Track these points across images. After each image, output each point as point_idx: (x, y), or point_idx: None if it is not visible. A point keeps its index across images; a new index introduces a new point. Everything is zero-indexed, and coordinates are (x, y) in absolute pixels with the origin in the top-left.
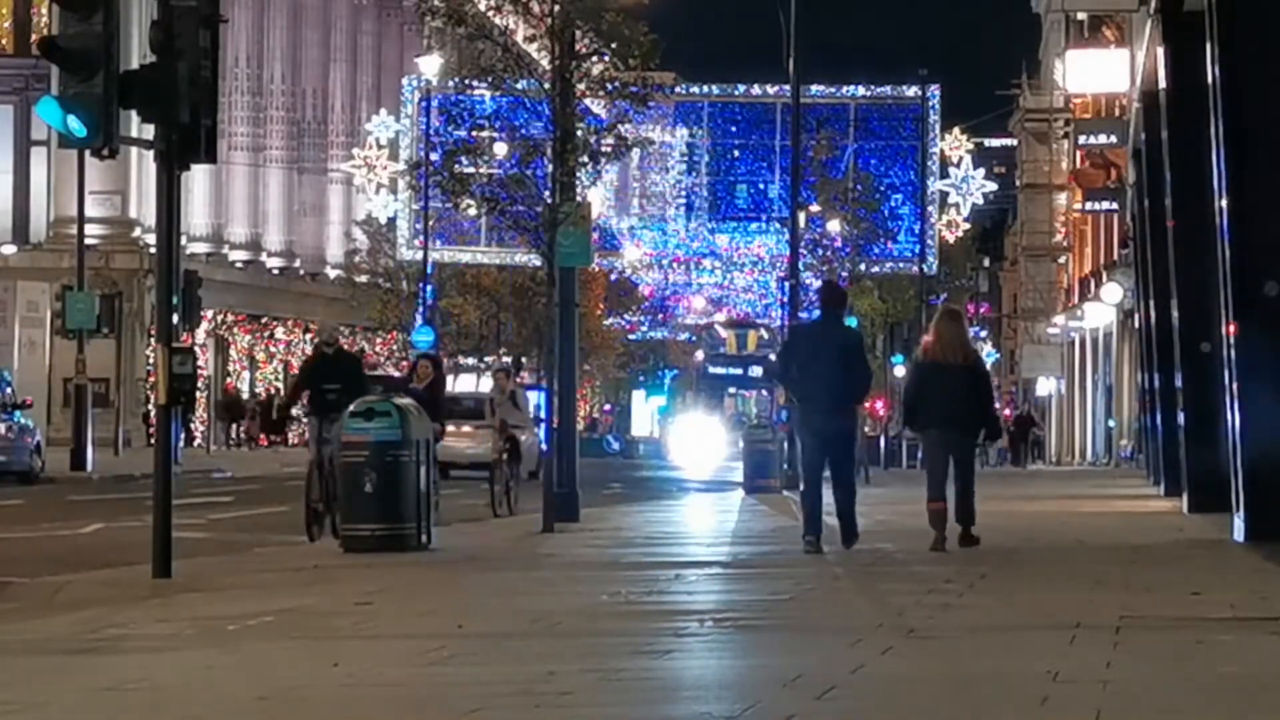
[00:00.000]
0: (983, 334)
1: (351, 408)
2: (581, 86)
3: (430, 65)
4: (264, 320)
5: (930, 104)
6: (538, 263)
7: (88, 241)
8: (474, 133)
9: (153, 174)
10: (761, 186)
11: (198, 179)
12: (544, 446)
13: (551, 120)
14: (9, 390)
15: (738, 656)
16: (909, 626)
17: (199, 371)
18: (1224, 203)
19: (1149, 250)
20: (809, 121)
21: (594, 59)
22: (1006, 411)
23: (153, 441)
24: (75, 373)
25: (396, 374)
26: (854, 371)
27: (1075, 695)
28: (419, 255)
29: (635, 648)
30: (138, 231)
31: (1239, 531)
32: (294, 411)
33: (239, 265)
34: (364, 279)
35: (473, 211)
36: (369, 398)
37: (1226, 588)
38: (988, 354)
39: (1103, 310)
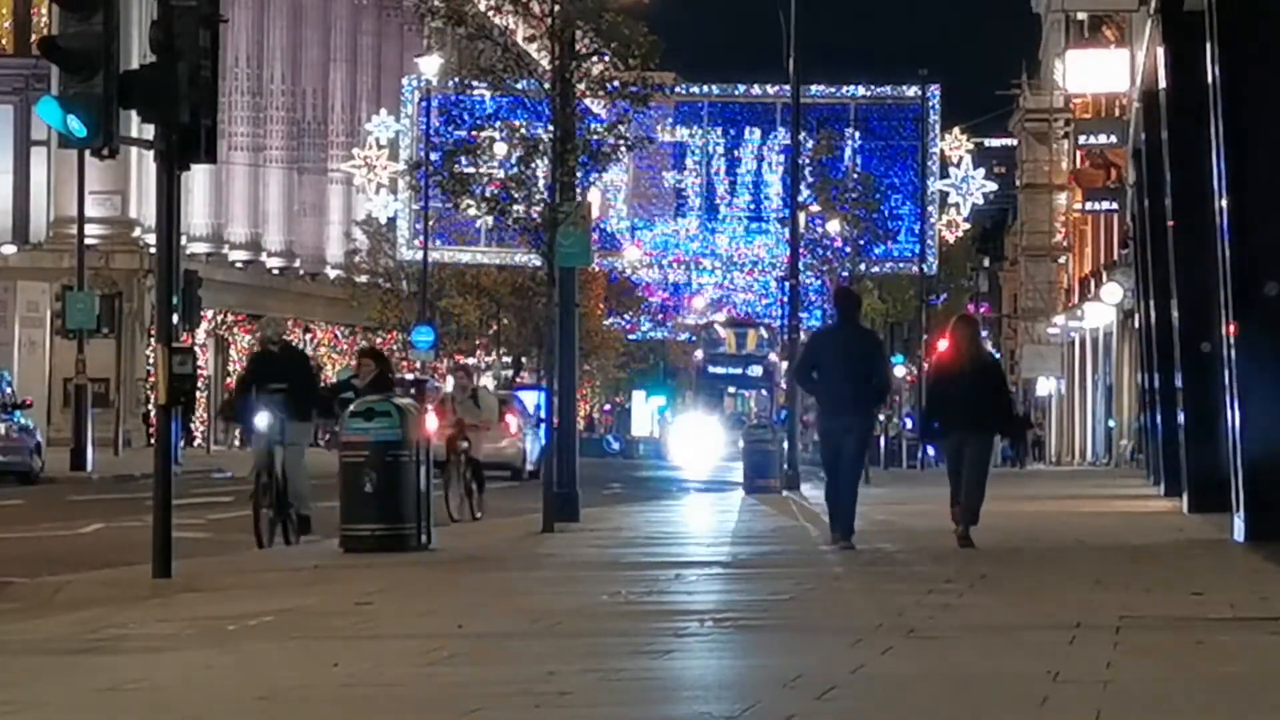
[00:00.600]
0: (983, 334)
1: (352, 408)
2: (581, 86)
3: (430, 65)
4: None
5: (930, 104)
6: (538, 263)
7: (88, 241)
8: (474, 133)
9: (153, 174)
10: (761, 186)
11: (198, 179)
12: (534, 446)
13: (551, 120)
14: (9, 390)
15: (738, 656)
16: (909, 626)
17: (199, 371)
18: (1224, 203)
19: (1149, 250)
20: (809, 121)
21: (594, 59)
22: None
23: (153, 441)
24: (75, 373)
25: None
26: (872, 375)
27: (1075, 695)
28: (419, 255)
29: (635, 648)
30: (138, 231)
31: (1239, 531)
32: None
33: (239, 265)
34: (364, 279)
35: (473, 211)
36: (371, 398)
37: (1226, 588)
38: None
39: (1103, 310)
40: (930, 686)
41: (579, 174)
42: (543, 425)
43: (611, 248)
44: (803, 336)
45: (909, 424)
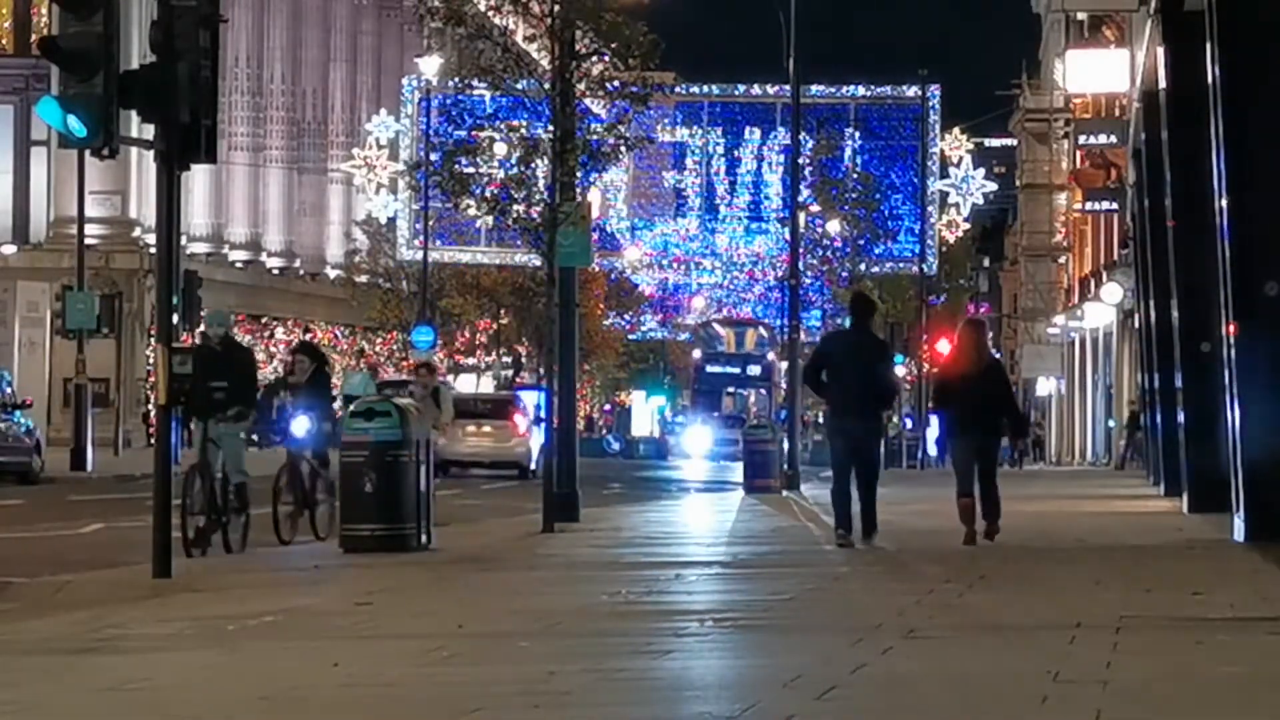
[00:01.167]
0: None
1: (352, 408)
2: (581, 86)
3: (430, 65)
4: (264, 320)
5: (930, 104)
6: (538, 263)
7: (88, 241)
8: (474, 133)
9: (153, 174)
10: (761, 186)
11: (198, 179)
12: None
13: (551, 120)
14: (9, 390)
15: (738, 656)
16: (909, 626)
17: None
18: (1224, 203)
19: (1149, 250)
20: (809, 121)
21: (594, 59)
22: None
23: (153, 441)
24: (75, 373)
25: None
26: (881, 379)
27: (1075, 695)
28: (419, 255)
29: (635, 648)
30: (138, 231)
31: (1239, 531)
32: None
33: (239, 265)
34: (364, 279)
35: (473, 211)
36: (371, 398)
37: (1226, 588)
38: None
39: (1103, 310)
40: (930, 686)
41: (579, 174)
42: (542, 425)
43: (611, 248)
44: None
45: (908, 424)
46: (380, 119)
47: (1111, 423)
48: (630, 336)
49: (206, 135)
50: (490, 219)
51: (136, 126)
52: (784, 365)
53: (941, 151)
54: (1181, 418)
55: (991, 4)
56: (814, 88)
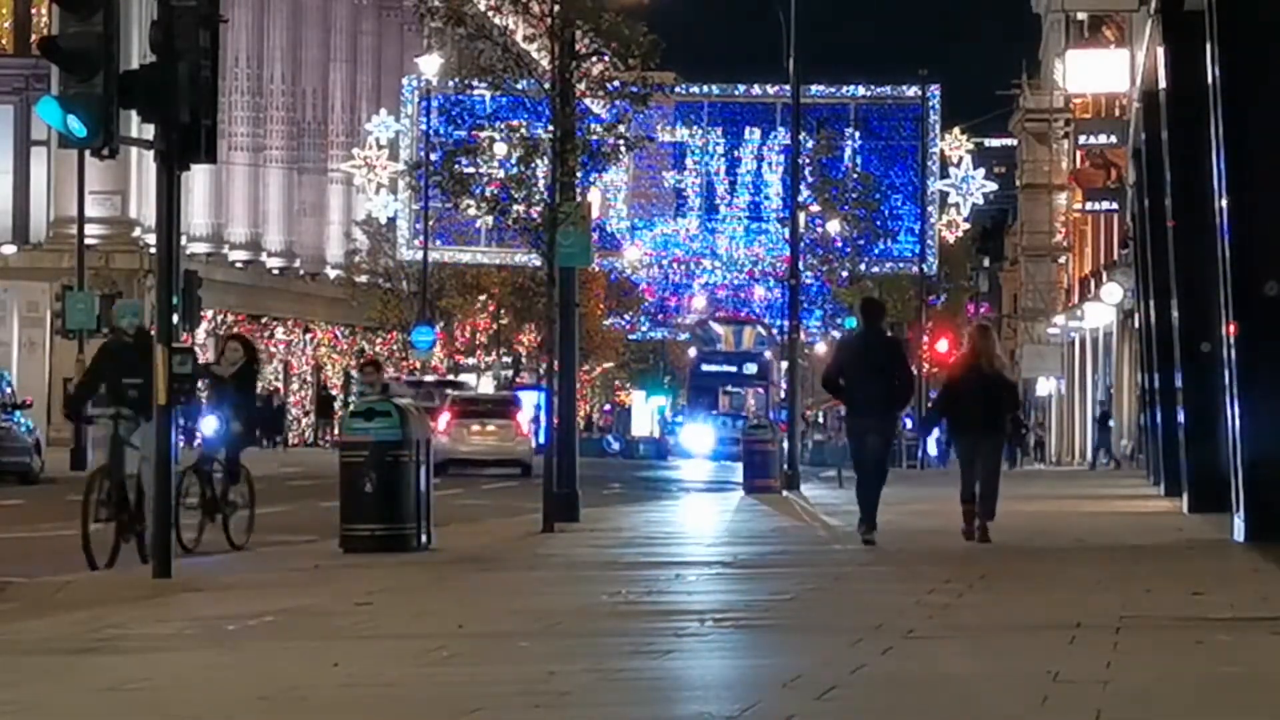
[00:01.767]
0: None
1: (352, 408)
2: (581, 86)
3: (430, 65)
4: (264, 320)
5: (930, 104)
6: (538, 263)
7: (88, 241)
8: (474, 133)
9: (153, 174)
10: (761, 186)
11: (198, 179)
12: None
13: (551, 120)
14: (9, 390)
15: (738, 656)
16: (909, 626)
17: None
18: (1224, 203)
19: (1149, 250)
20: (809, 121)
21: (594, 59)
22: None
23: None
24: (75, 373)
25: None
26: (896, 380)
27: (1075, 695)
28: (419, 255)
29: (635, 648)
30: (138, 231)
31: (1239, 531)
32: (91, 410)
33: (239, 265)
34: (364, 279)
35: (473, 211)
36: (371, 398)
37: (1226, 588)
38: None
39: (1103, 310)
40: (930, 686)
41: (579, 174)
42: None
43: (611, 248)
44: (803, 336)
45: (909, 424)
46: (380, 119)
47: (1112, 423)
48: (630, 336)
49: (206, 135)
50: (490, 219)
51: (136, 126)
52: (784, 365)
53: (941, 151)
54: (1181, 418)
55: (991, 4)
56: (814, 88)
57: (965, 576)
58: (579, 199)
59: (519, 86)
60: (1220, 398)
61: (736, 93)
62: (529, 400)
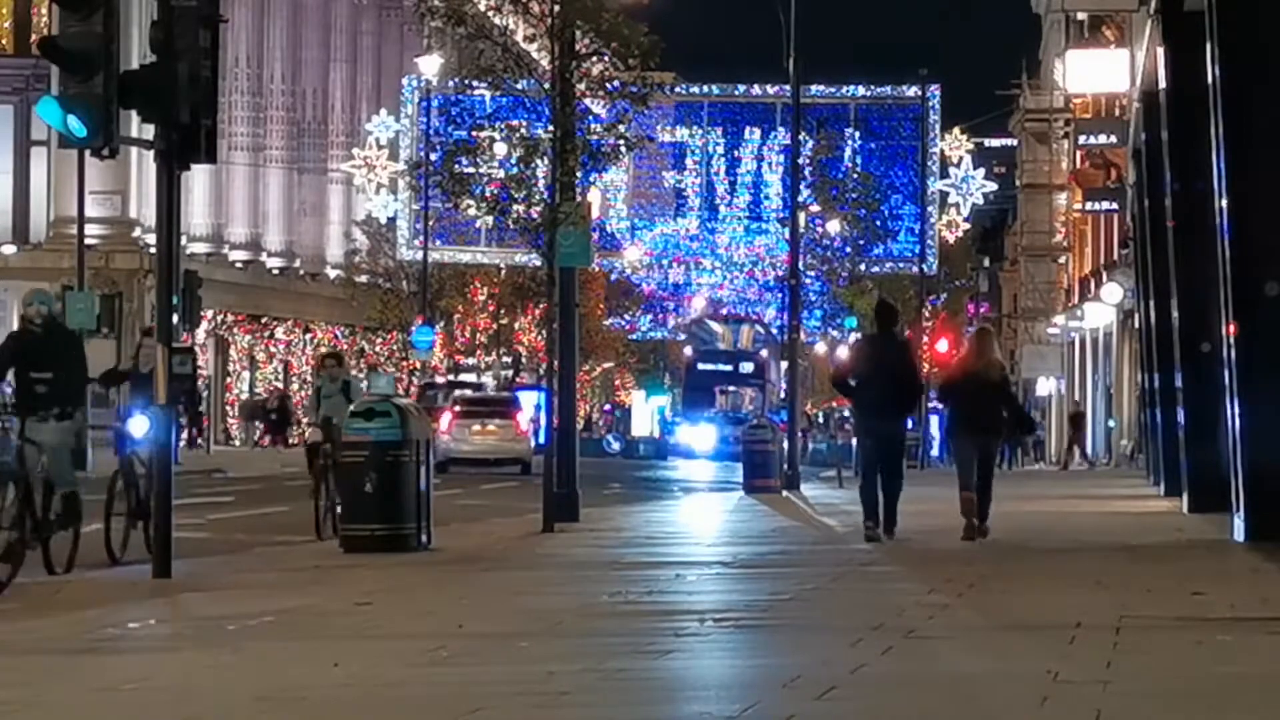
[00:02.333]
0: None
1: (352, 408)
2: (581, 86)
3: (430, 65)
4: (264, 320)
5: (930, 104)
6: (538, 263)
7: (88, 241)
8: (474, 133)
9: (153, 174)
10: (761, 186)
11: (198, 179)
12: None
13: (551, 120)
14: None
15: (738, 656)
16: (909, 626)
17: (199, 371)
18: (1224, 203)
19: (1149, 250)
20: (809, 121)
21: (594, 59)
22: None
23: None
24: None
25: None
26: (906, 383)
27: (1075, 695)
28: (419, 255)
29: (635, 648)
30: (138, 231)
31: (1239, 531)
32: None
33: (239, 265)
34: (364, 279)
35: (473, 212)
36: (369, 397)
37: (1226, 588)
38: None
39: (1103, 310)
40: (930, 686)
41: (579, 174)
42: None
43: (611, 248)
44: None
45: (910, 424)
46: (380, 119)
47: (1112, 423)
48: (630, 336)
49: (206, 135)
50: (490, 219)
51: (136, 126)
52: (784, 364)
53: (941, 151)
54: (1181, 418)
55: (991, 4)
56: (814, 88)
57: (965, 576)
58: (579, 199)
59: (519, 86)
60: (1220, 398)
61: (736, 93)
62: (529, 400)
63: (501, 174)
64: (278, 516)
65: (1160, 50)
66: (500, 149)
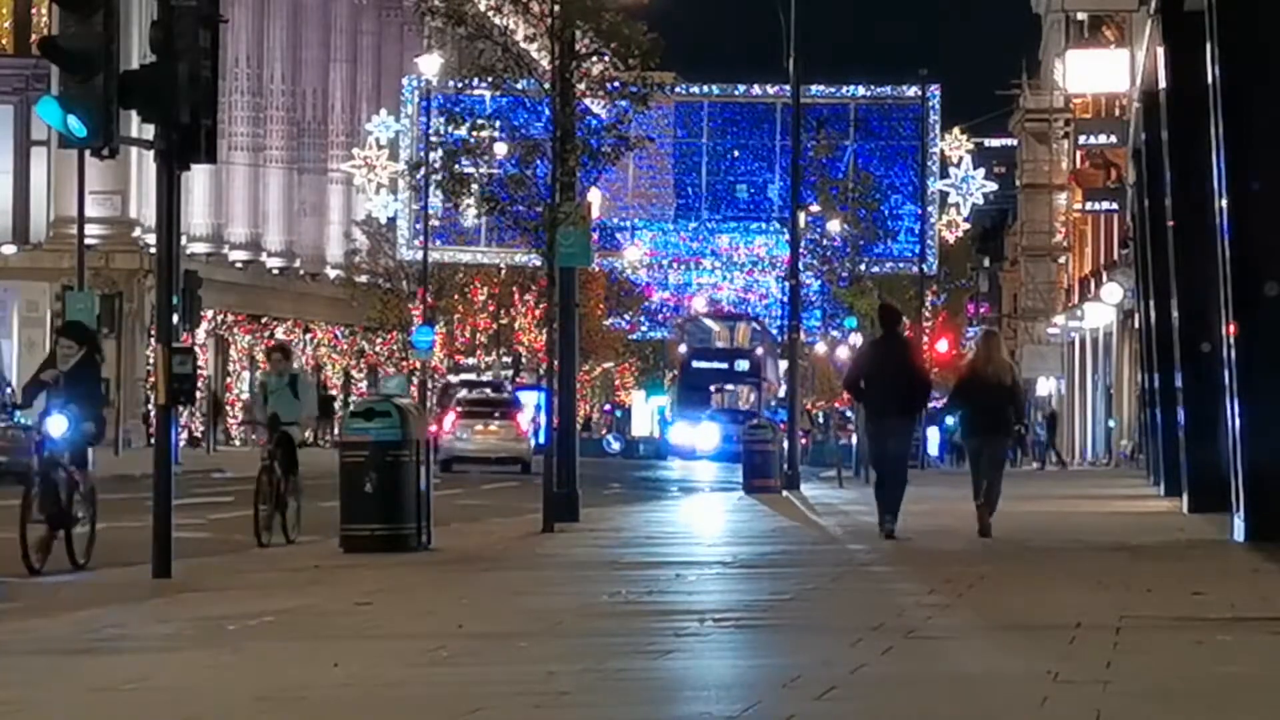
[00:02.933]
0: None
1: (352, 408)
2: (581, 86)
3: (430, 65)
4: (264, 320)
5: (930, 104)
6: (538, 263)
7: (88, 241)
8: (474, 133)
9: (153, 174)
10: (761, 186)
11: (198, 179)
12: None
13: (551, 120)
14: (9, 390)
15: (738, 656)
16: (909, 626)
17: (199, 371)
18: (1224, 203)
19: (1149, 250)
20: (809, 121)
21: (594, 59)
22: None
23: (152, 441)
24: None
25: None
26: (914, 384)
27: (1075, 695)
28: (419, 255)
29: (635, 648)
30: (138, 231)
31: (1239, 531)
32: None
33: (239, 265)
34: (364, 279)
35: (473, 212)
36: (369, 397)
37: (1226, 588)
38: None
39: (1103, 310)
40: (930, 686)
41: (579, 174)
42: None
43: (611, 248)
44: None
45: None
46: (380, 119)
47: (1112, 423)
48: (630, 336)
49: (206, 135)
50: (490, 219)
51: (136, 126)
52: (781, 363)
53: (941, 151)
54: (1181, 418)
55: (991, 4)
56: (814, 88)
57: (965, 576)
58: (579, 199)
59: (519, 86)
60: (1220, 398)
61: (736, 93)
62: (529, 400)
63: (501, 174)
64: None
65: (1160, 50)
66: (500, 149)
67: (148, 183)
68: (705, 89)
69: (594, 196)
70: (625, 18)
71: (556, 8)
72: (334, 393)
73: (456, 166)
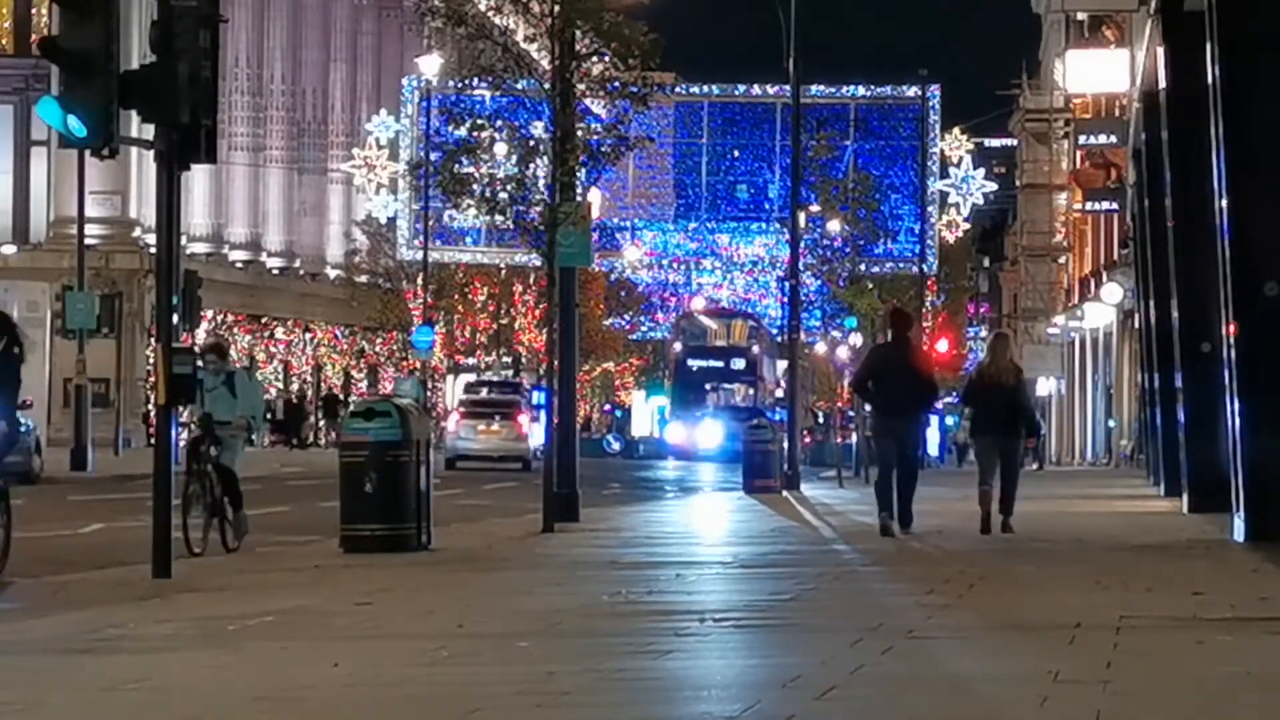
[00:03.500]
0: (982, 334)
1: (352, 408)
2: (581, 86)
3: (430, 65)
4: (264, 320)
5: (930, 104)
6: (538, 263)
7: (88, 241)
8: (474, 133)
9: (153, 174)
10: (761, 186)
11: (198, 179)
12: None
13: (551, 120)
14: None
15: (738, 656)
16: (909, 626)
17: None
18: (1224, 203)
19: (1149, 250)
20: (809, 121)
21: (594, 59)
22: None
23: (152, 441)
24: (75, 373)
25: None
26: (921, 386)
27: (1075, 695)
28: (419, 255)
29: (635, 648)
30: (138, 231)
31: (1239, 531)
32: None
33: (239, 265)
34: (364, 279)
35: (472, 212)
36: (370, 398)
37: (1226, 588)
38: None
39: (1103, 310)
40: (930, 686)
41: (579, 174)
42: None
43: (611, 248)
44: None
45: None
46: (380, 119)
47: (1112, 423)
48: (631, 336)
49: (206, 135)
50: (489, 219)
51: (136, 126)
52: (779, 363)
53: (941, 151)
54: (1181, 418)
55: (991, 4)
56: (814, 88)
57: (965, 576)
58: (579, 199)
59: (519, 86)
60: (1220, 398)
61: (736, 93)
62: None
63: (501, 174)
64: (277, 516)
65: (1160, 50)
66: (500, 149)
67: (148, 183)
68: (705, 89)
69: (594, 196)
70: (625, 18)
71: (556, 8)
72: (335, 393)
73: (456, 166)
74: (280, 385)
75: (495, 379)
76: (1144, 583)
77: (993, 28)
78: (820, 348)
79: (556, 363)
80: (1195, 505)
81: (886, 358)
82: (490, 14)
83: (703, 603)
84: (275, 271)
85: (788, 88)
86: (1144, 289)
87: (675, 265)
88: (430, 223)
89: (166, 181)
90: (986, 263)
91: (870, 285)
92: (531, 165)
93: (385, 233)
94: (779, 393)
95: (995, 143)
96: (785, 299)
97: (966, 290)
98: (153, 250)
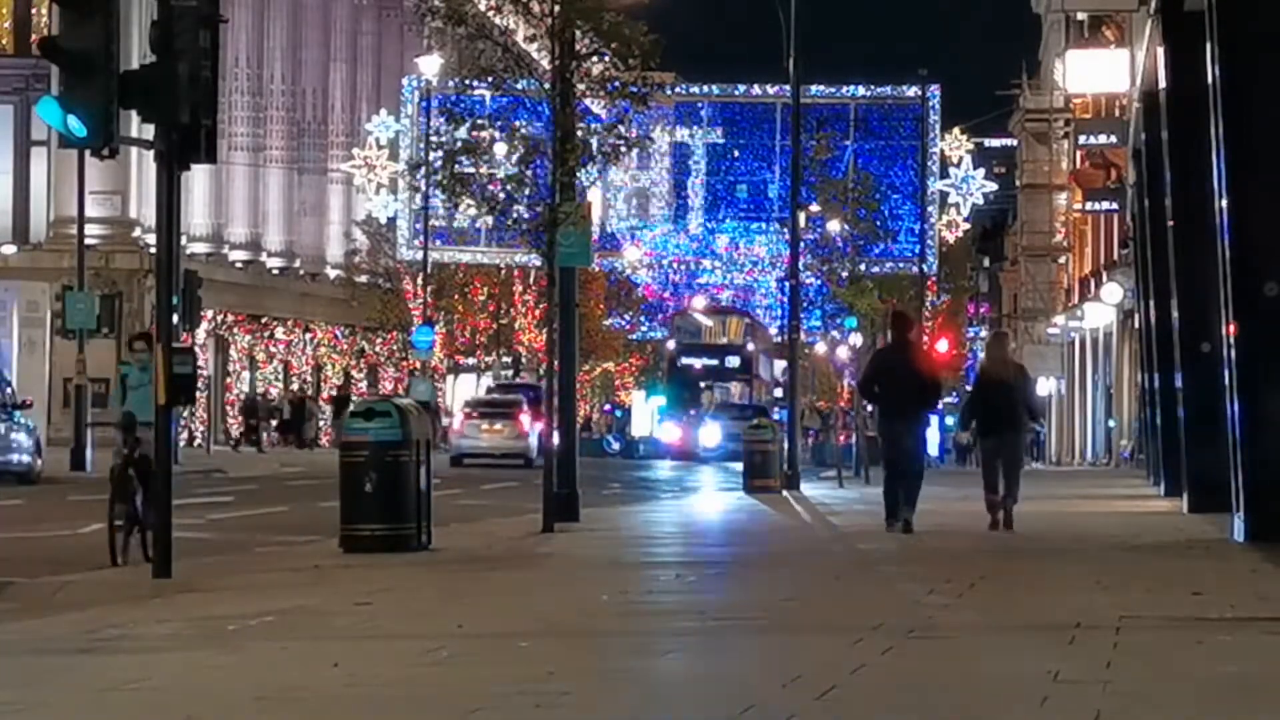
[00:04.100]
0: (982, 334)
1: (352, 408)
2: (581, 86)
3: (430, 65)
4: (264, 320)
5: (930, 104)
6: (538, 263)
7: (88, 241)
8: (474, 133)
9: (153, 174)
10: (761, 186)
11: (198, 179)
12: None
13: (551, 120)
14: (9, 390)
15: (738, 656)
16: (909, 626)
17: (199, 371)
18: (1224, 203)
19: (1149, 250)
20: (809, 121)
21: (594, 59)
22: None
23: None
24: (75, 373)
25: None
26: (926, 387)
27: (1075, 695)
28: (419, 255)
29: (635, 648)
30: (138, 231)
31: (1239, 531)
32: None
33: (239, 265)
34: (364, 279)
35: (472, 212)
36: (369, 398)
37: (1226, 588)
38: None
39: (1103, 310)
40: (930, 686)
41: (579, 174)
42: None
43: (611, 248)
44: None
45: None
46: (380, 119)
47: (1112, 423)
48: (631, 337)
49: (206, 135)
50: (490, 219)
51: (136, 126)
52: (776, 362)
53: (941, 151)
54: (1182, 418)
55: (991, 4)
56: (814, 88)
57: (965, 576)
58: (579, 199)
59: (519, 86)
60: (1220, 398)
61: (736, 93)
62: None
63: (501, 174)
64: (278, 516)
65: (1160, 50)
66: (500, 149)
67: (148, 183)
68: (705, 89)
69: (594, 197)
70: (625, 18)
71: (556, 8)
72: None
73: (456, 166)
74: (280, 385)
75: (517, 381)
76: (1144, 583)
77: (992, 28)
78: (820, 348)
79: (556, 363)
80: (1195, 505)
81: (889, 360)
82: (490, 14)
83: (703, 603)
84: (275, 271)
85: (788, 88)
86: (1144, 289)
87: (675, 265)
88: (430, 222)
89: (166, 181)
90: (986, 263)
91: (870, 285)
92: (531, 165)
93: (385, 233)
94: (777, 391)
95: (995, 143)
96: (785, 299)
97: (966, 290)
98: (153, 250)
